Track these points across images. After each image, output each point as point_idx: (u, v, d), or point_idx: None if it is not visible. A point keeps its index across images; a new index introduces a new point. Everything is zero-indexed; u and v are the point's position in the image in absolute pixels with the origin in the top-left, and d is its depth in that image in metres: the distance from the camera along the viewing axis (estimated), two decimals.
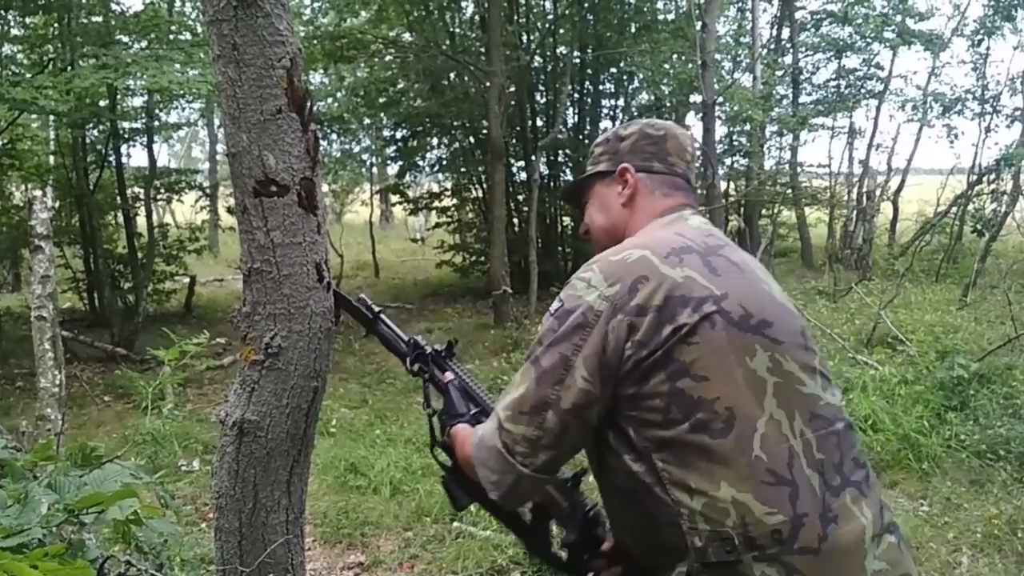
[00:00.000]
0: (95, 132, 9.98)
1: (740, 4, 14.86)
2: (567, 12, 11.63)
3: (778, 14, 14.74)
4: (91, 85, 6.93)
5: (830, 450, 1.25)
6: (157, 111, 10.62)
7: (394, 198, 15.06)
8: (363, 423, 5.87)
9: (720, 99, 10.36)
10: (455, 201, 13.55)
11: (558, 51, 12.28)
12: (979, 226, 11.70)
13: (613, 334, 1.24)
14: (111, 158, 10.10)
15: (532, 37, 12.10)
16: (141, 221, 10.59)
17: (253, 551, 1.88)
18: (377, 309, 1.84)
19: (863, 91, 14.65)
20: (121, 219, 10.60)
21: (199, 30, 8.79)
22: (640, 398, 1.23)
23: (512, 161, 12.02)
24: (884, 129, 29.74)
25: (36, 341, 4.38)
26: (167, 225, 12.82)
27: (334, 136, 14.01)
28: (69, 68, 7.93)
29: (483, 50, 10.93)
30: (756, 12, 13.16)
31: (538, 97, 12.63)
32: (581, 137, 12.57)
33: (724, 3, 13.05)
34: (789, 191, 13.97)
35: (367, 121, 13.96)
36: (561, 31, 11.92)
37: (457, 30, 12.65)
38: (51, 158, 10.68)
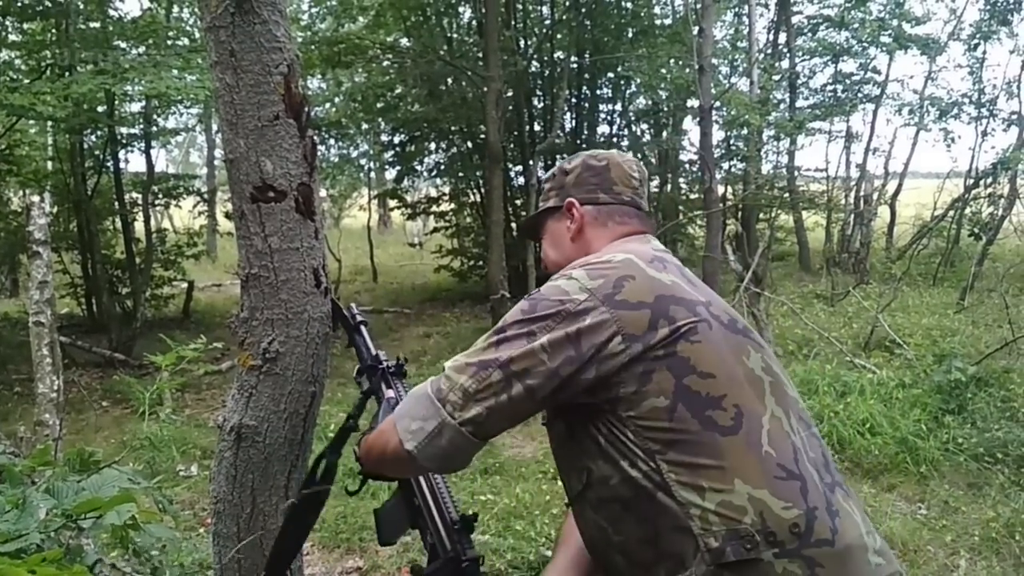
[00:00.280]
0: (93, 137, 9.99)
1: (737, 9, 14.89)
2: (564, 17, 11.65)
3: (775, 19, 14.77)
4: (89, 90, 6.94)
5: (816, 450, 1.28)
6: (155, 116, 10.63)
7: (392, 203, 15.08)
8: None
9: (717, 103, 10.37)
10: (453, 206, 13.55)
11: (555, 56, 12.29)
12: (976, 230, 11.72)
13: (591, 321, 1.22)
14: (109, 163, 10.11)
15: (529, 42, 12.13)
16: (139, 226, 10.58)
17: (251, 556, 1.88)
18: (360, 319, 1.84)
19: (860, 95, 14.68)
20: (119, 224, 10.60)
21: (196, 36, 8.81)
22: (642, 396, 1.21)
23: (510, 166, 12.03)
24: (881, 133, 29.72)
25: (34, 346, 4.38)
26: (165, 230, 12.79)
27: (332, 141, 14.02)
28: (67, 74, 7.94)
29: (480, 55, 10.93)
30: (753, 17, 13.19)
31: (536, 102, 12.64)
32: (579, 142, 12.58)
33: (721, 8, 13.06)
34: (786, 195, 13.99)
35: (365, 126, 13.97)
36: (558, 36, 11.94)
37: (454, 35, 12.67)
38: (49, 164, 10.70)
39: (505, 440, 5.23)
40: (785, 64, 14.48)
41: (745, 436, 1.19)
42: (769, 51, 14.45)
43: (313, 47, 10.42)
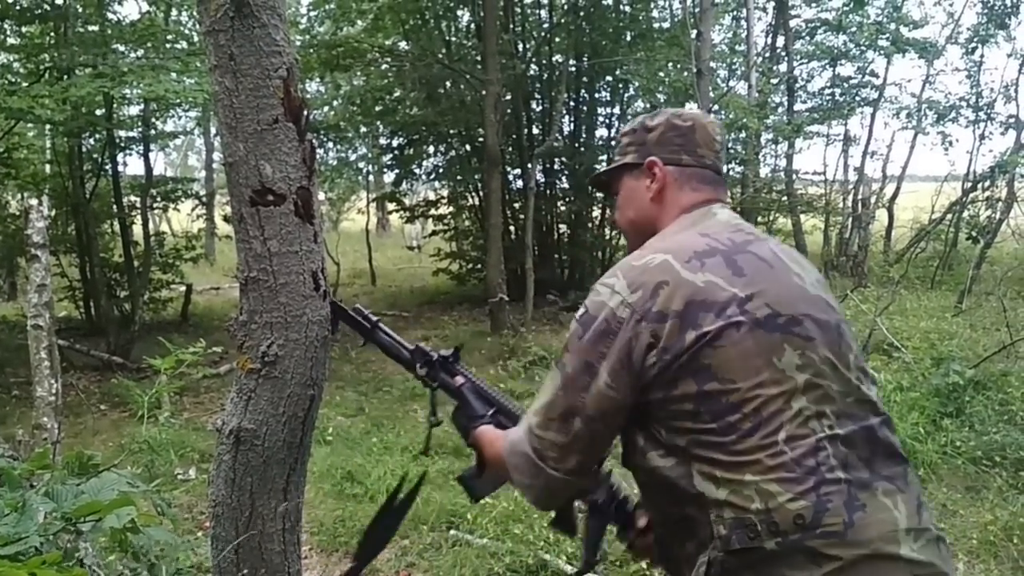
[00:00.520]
0: (91, 141, 9.98)
1: (735, 13, 14.91)
2: (563, 21, 11.67)
3: (773, 22, 14.78)
4: (87, 94, 6.94)
5: (859, 445, 1.25)
6: (153, 120, 10.63)
7: (390, 206, 15.08)
8: (360, 431, 5.87)
9: (715, 107, 10.37)
10: (451, 209, 13.55)
11: (554, 59, 12.31)
12: (974, 233, 11.70)
13: (636, 341, 1.28)
14: (107, 167, 10.09)
15: (528, 45, 12.13)
16: (137, 230, 10.57)
17: (250, 559, 1.88)
18: (375, 318, 1.85)
19: (858, 99, 14.68)
20: (117, 228, 10.57)
21: (195, 39, 8.81)
22: (669, 402, 1.27)
23: (508, 169, 12.04)
24: (879, 136, 29.75)
25: (32, 350, 4.37)
26: (163, 234, 12.79)
27: (330, 144, 14.02)
28: (66, 77, 7.94)
29: (479, 59, 10.95)
30: (751, 20, 13.21)
31: (534, 105, 12.66)
32: (577, 145, 12.60)
33: (719, 12, 13.09)
34: (785, 198, 13.99)
35: (363, 129, 13.98)
36: (557, 39, 11.96)
37: (453, 39, 12.69)
38: (47, 167, 10.68)
39: None
40: (783, 68, 14.49)
41: (760, 438, 1.22)
42: (767, 55, 14.47)
43: (312, 51, 10.45)
